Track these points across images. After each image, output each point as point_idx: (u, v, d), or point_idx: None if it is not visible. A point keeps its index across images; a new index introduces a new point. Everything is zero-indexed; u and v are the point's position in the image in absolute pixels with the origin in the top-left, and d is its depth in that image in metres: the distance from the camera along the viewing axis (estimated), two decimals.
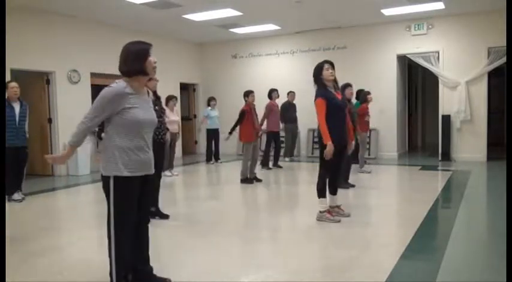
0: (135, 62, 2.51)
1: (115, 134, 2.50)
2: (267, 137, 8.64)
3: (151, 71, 2.58)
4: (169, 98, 7.39)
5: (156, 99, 4.55)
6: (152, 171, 2.68)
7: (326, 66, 4.28)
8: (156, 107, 4.46)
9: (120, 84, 2.49)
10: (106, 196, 2.56)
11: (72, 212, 5.54)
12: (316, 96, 4.25)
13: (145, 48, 2.56)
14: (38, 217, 5.18)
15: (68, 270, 3.19)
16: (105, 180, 2.54)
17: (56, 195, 6.70)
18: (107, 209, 2.55)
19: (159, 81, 4.46)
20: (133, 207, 2.58)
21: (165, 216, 4.66)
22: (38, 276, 3.13)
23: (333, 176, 4.50)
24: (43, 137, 8.26)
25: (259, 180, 7.03)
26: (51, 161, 2.68)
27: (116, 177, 2.49)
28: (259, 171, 7.73)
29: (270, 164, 8.59)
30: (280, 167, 8.66)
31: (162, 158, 4.73)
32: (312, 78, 4.39)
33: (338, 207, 4.56)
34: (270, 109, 8.37)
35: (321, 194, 4.41)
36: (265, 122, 8.29)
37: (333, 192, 4.55)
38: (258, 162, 7.47)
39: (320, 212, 4.44)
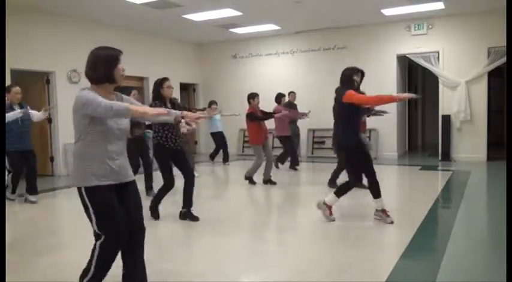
0: (104, 67, 2.40)
1: (85, 142, 2.39)
2: (284, 141, 8.22)
3: (119, 79, 2.45)
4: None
5: (173, 106, 4.52)
6: (128, 178, 2.51)
7: (358, 74, 4.36)
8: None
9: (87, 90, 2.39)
10: (84, 208, 2.43)
11: (72, 211, 5.51)
12: (344, 90, 4.21)
13: (115, 54, 2.44)
14: (38, 217, 5.18)
15: (68, 270, 3.19)
16: (78, 191, 2.42)
17: (56, 195, 6.70)
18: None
19: (173, 88, 4.49)
20: (117, 216, 2.41)
21: (195, 218, 4.58)
22: (38, 276, 3.13)
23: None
24: (43, 137, 8.26)
25: (273, 183, 6.81)
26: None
27: (86, 188, 2.37)
28: (286, 171, 7.65)
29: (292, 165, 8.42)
30: (278, 167, 8.62)
31: (186, 163, 4.68)
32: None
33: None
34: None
35: (339, 194, 4.43)
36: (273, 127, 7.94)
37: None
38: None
39: (324, 203, 4.44)
